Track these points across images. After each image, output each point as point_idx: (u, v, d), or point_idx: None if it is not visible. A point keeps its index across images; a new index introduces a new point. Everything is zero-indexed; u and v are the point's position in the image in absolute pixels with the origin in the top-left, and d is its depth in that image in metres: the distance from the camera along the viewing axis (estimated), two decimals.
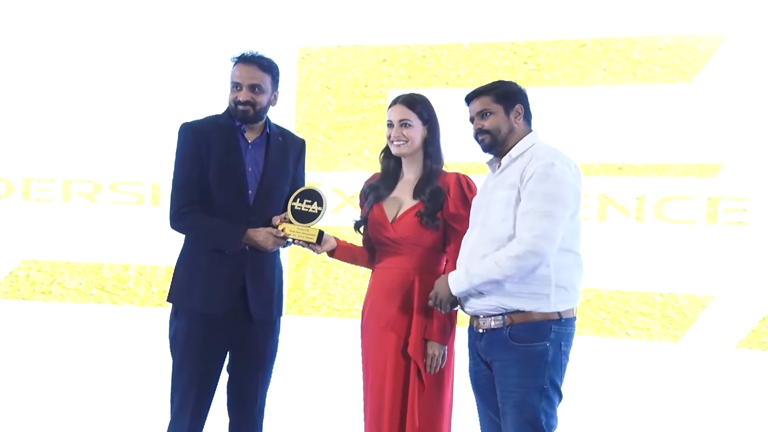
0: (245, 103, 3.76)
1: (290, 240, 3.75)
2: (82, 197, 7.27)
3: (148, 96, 7.15)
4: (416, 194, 3.67)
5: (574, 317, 3.33)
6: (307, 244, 3.72)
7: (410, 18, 6.74)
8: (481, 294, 3.31)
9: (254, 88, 3.77)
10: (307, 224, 3.72)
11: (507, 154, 3.39)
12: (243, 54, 3.81)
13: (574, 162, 3.34)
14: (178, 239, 3.91)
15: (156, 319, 5.41)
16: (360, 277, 6.46)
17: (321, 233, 3.71)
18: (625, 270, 6.28)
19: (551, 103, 6.28)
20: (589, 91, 6.35)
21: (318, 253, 3.78)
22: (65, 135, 7.27)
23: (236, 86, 3.78)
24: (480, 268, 3.29)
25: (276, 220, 3.77)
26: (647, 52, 6.25)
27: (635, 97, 6.27)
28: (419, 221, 3.62)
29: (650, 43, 6.25)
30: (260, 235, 3.73)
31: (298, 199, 3.76)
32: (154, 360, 5.13)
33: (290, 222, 3.73)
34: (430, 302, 3.45)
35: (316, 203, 3.73)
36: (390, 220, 3.69)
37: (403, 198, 3.71)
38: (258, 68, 3.79)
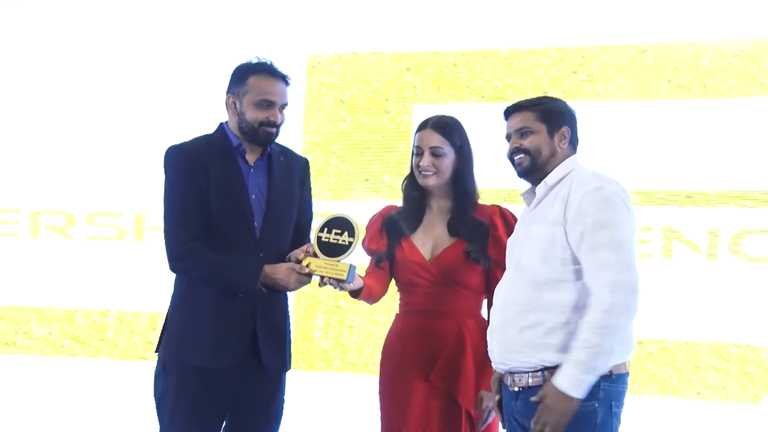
0: (277, 125, 3.78)
1: (322, 278, 3.69)
2: (52, 231, 7.26)
3: (130, 112, 7.15)
4: (453, 231, 3.77)
5: (627, 372, 3.30)
6: (337, 282, 3.65)
7: (439, 20, 6.71)
8: (520, 349, 3.29)
9: (284, 107, 3.82)
10: (336, 258, 3.65)
11: (543, 182, 3.38)
12: (272, 65, 3.85)
13: (621, 185, 3.34)
14: (167, 281, 3.88)
15: (139, 374, 5.36)
16: (380, 325, 6.41)
17: (352, 268, 3.65)
18: (695, 317, 6.18)
19: (606, 119, 6.28)
20: (650, 105, 6.32)
21: (345, 290, 3.72)
22: (33, 159, 7.27)
23: (269, 105, 3.77)
24: (579, 350, 3.14)
25: (300, 253, 3.72)
26: (719, 60, 6.22)
27: (705, 113, 6.22)
28: (465, 258, 3.71)
29: (723, 49, 6.22)
30: (280, 272, 3.68)
31: (326, 229, 3.71)
32: (137, 423, 5.19)
33: (316, 256, 3.68)
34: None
35: (346, 233, 3.69)
36: (427, 258, 3.76)
37: (436, 233, 3.80)
38: (286, 85, 3.84)
